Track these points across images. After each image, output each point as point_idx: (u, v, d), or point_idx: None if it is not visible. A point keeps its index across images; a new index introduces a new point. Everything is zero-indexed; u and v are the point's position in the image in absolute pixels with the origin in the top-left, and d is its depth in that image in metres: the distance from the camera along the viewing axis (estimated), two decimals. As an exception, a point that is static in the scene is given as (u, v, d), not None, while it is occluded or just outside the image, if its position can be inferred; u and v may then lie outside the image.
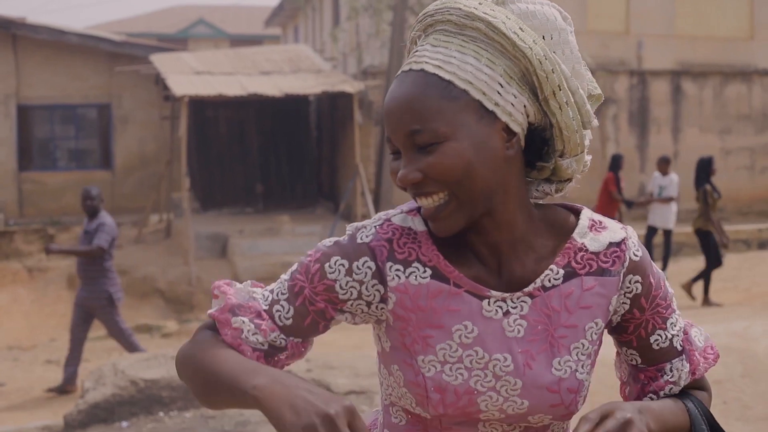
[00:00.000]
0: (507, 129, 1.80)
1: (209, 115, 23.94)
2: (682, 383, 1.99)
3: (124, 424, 8.03)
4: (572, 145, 1.85)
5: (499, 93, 1.78)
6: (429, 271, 1.85)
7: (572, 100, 1.81)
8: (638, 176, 23.65)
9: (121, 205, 25.71)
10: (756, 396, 7.98)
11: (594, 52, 25.87)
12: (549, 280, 1.88)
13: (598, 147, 23.18)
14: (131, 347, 10.63)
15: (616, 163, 16.53)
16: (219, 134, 24.28)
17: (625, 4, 27.34)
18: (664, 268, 16.25)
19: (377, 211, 20.05)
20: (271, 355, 1.87)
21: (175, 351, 9.14)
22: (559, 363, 1.87)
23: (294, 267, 1.93)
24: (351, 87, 20.83)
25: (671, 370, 1.98)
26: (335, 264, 1.86)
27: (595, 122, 1.87)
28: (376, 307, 1.87)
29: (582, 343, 1.89)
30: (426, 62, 1.80)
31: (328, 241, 1.91)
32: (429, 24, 1.86)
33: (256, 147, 24.50)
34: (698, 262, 17.68)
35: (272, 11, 40.32)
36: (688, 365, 1.98)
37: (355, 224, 1.93)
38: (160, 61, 23.18)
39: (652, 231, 16.26)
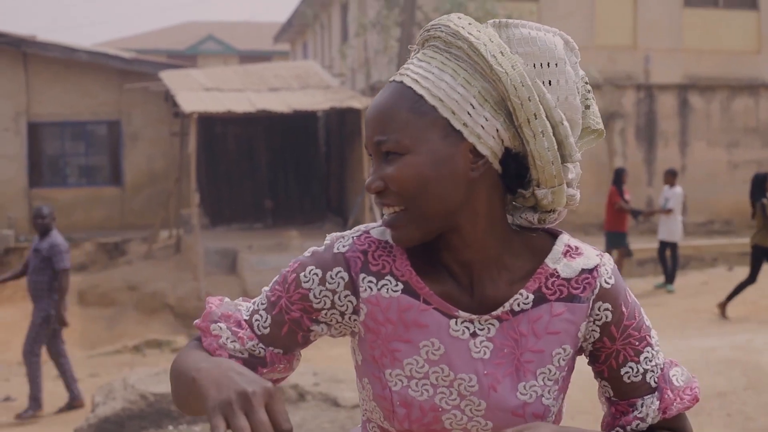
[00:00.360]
0: (474, 150, 1.80)
1: (218, 131, 23.99)
2: (650, 421, 1.93)
3: (134, 437, 8.12)
4: (547, 176, 1.82)
5: (469, 114, 1.78)
6: (401, 285, 1.86)
7: (549, 131, 1.79)
8: (645, 190, 23.70)
9: (130, 221, 25.85)
10: (759, 408, 8.03)
11: (601, 66, 25.97)
12: (518, 305, 1.87)
13: (605, 161, 23.25)
14: (35, 377, 10.89)
15: (618, 176, 16.63)
16: (228, 150, 24.33)
17: (632, 18, 27.44)
18: (671, 282, 16.31)
19: (385, 226, 20.14)
20: (251, 365, 1.88)
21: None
22: (525, 387, 1.86)
23: (275, 278, 1.95)
24: (359, 103, 20.90)
25: (641, 406, 1.93)
26: (309, 273, 1.88)
27: (578, 157, 1.85)
28: (350, 318, 1.89)
29: (549, 369, 1.88)
30: (407, 75, 1.83)
31: (308, 251, 1.93)
32: (425, 39, 1.88)
33: (264, 163, 24.54)
34: (706, 276, 17.72)
35: (281, 27, 40.45)
36: (658, 403, 1.92)
37: (335, 234, 1.95)
38: (170, 77, 23.28)
39: (662, 246, 16.34)
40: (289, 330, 1.89)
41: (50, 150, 26.88)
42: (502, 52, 1.79)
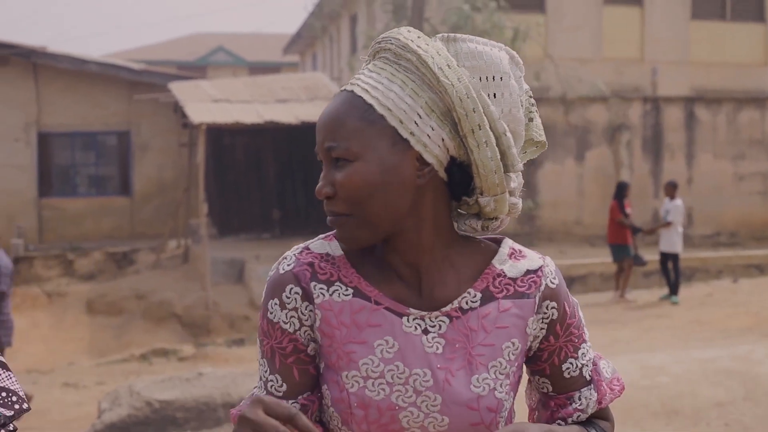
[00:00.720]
0: (420, 159, 1.86)
1: (226, 142, 24.08)
2: (590, 411, 2.03)
3: (139, 444, 8.23)
4: (489, 185, 1.89)
5: (416, 123, 1.85)
6: (351, 290, 1.92)
7: (492, 141, 1.86)
8: (652, 202, 23.75)
9: (139, 231, 25.94)
10: (756, 418, 8.11)
11: (609, 78, 26.12)
12: (467, 302, 1.93)
13: (612, 173, 23.33)
14: None
15: (620, 191, 16.74)
16: (236, 161, 24.41)
17: (639, 31, 27.59)
18: (674, 293, 16.38)
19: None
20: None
21: (191, 374, 9.36)
22: (478, 380, 1.91)
23: (258, 343, 2.00)
24: (366, 114, 20.98)
25: (580, 399, 2.03)
26: (272, 307, 1.92)
27: (520, 167, 1.92)
28: (315, 326, 1.92)
29: (500, 362, 1.94)
30: (357, 84, 1.89)
31: (263, 293, 1.97)
32: (376, 50, 1.94)
33: (272, 174, 24.63)
34: (711, 288, 17.78)
35: (290, 39, 40.62)
36: (595, 394, 2.03)
37: (278, 260, 1.99)
38: (179, 89, 23.40)
39: (664, 257, 16.42)
40: (298, 371, 1.94)
41: (60, 160, 26.94)
42: (448, 65, 1.86)
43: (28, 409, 2.14)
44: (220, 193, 23.95)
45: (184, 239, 23.75)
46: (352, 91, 1.89)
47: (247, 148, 24.42)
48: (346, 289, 1.92)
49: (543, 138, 2.02)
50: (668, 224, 16.32)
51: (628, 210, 16.59)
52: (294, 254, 1.96)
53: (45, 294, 20.53)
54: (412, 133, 1.85)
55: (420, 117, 1.85)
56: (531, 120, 2.00)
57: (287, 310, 1.91)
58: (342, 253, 1.96)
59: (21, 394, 2.15)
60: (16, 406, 2.11)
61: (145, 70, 27.41)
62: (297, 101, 23.06)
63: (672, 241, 16.28)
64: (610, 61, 27.31)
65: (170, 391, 8.79)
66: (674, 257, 16.31)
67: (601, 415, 2.09)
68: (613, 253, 16.83)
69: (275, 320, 1.92)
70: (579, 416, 2.04)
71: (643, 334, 13.49)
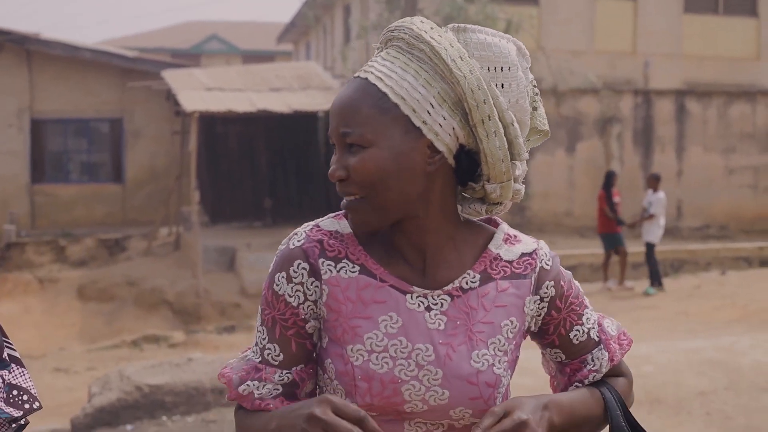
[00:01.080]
0: (431, 146, 1.93)
1: (219, 130, 24.10)
2: (604, 370, 2.12)
3: (129, 427, 8.26)
4: (497, 173, 1.97)
5: (428, 112, 1.91)
6: (357, 267, 1.99)
7: (501, 131, 1.93)
8: (642, 194, 23.81)
9: (131, 218, 26.00)
10: (738, 407, 8.20)
11: (601, 71, 26.18)
12: (466, 283, 2.01)
13: (602, 165, 23.40)
14: None
15: (608, 180, 16.80)
16: (228, 149, 24.42)
17: (632, 24, 27.64)
18: (656, 284, 16.48)
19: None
20: (290, 394, 2.01)
21: (180, 360, 9.44)
22: (478, 356, 1.98)
23: (259, 308, 2.06)
24: (358, 104, 21.03)
25: (592, 360, 2.12)
26: (279, 279, 1.99)
27: (526, 156, 2.00)
28: (320, 302, 1.99)
29: (498, 339, 2.01)
30: (372, 72, 1.96)
31: (271, 265, 2.04)
32: (388, 38, 2.00)
33: (264, 162, 24.65)
34: (699, 279, 17.88)
35: (284, 28, 40.60)
36: (606, 353, 2.13)
37: (288, 235, 2.07)
38: (172, 77, 23.44)
39: (648, 246, 16.55)
40: (296, 344, 2.01)
41: (53, 146, 27.00)
42: (461, 57, 1.93)
43: (39, 407, 2.15)
44: (212, 181, 23.97)
45: (175, 227, 23.74)
46: (366, 79, 1.96)
47: (239, 137, 24.44)
48: (353, 266, 1.99)
49: (546, 127, 2.12)
50: (651, 217, 16.42)
51: (617, 199, 16.65)
52: (304, 231, 2.04)
53: (37, 280, 20.56)
54: (424, 122, 1.93)
55: (432, 107, 1.92)
56: (535, 109, 2.09)
57: (293, 284, 1.99)
58: (351, 231, 2.03)
59: (33, 392, 2.17)
60: (26, 406, 2.13)
61: (138, 57, 27.49)
62: (290, 90, 23.12)
63: (650, 231, 16.39)
64: (602, 53, 27.36)
65: (160, 375, 8.84)
66: (650, 246, 16.43)
67: (616, 371, 2.20)
68: (604, 242, 16.94)
69: (280, 292, 1.99)
70: (594, 376, 2.14)
71: (632, 324, 13.56)
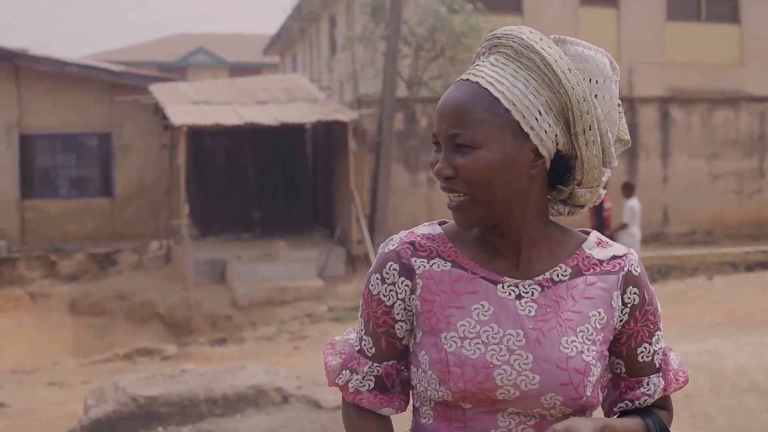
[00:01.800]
0: (536, 151, 2.06)
1: (207, 143, 24.12)
2: (656, 397, 2.22)
3: (125, 438, 8.41)
4: (590, 179, 2.11)
5: (536, 119, 2.04)
6: (449, 263, 2.13)
7: (598, 141, 2.07)
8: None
9: (121, 232, 25.97)
10: (721, 409, 8.37)
11: (585, 79, 26.32)
12: (557, 275, 2.13)
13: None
14: None
15: None
16: (216, 162, 24.45)
17: (616, 32, 27.80)
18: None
19: (372, 236, 20.41)
20: (382, 388, 2.19)
21: (174, 371, 9.57)
22: (567, 342, 2.07)
23: (360, 304, 2.23)
24: (345, 116, 21.16)
25: (648, 384, 2.22)
26: (374, 280, 2.16)
27: (615, 163, 2.13)
28: (409, 300, 2.14)
29: (587, 327, 2.11)
30: (482, 77, 2.06)
31: (372, 267, 2.21)
32: (494, 44, 2.13)
33: (252, 174, 24.67)
34: (686, 285, 18.02)
35: (270, 40, 40.63)
36: (663, 382, 2.22)
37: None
38: (159, 90, 23.51)
39: None
40: (385, 341, 2.17)
41: (42, 162, 26.92)
42: (569, 69, 2.06)
43: None
44: (200, 194, 24.01)
45: (165, 240, 23.84)
46: (477, 83, 2.07)
47: (227, 150, 24.48)
48: (445, 263, 2.14)
49: (628, 137, 2.24)
50: (624, 225, 16.49)
51: (608, 204, 16.69)
52: (399, 236, 2.19)
53: (28, 295, 20.61)
54: (532, 128, 2.05)
55: (540, 114, 2.05)
56: (620, 120, 2.20)
57: (386, 285, 2.14)
58: (441, 232, 2.19)
59: None
60: None
61: (125, 72, 27.47)
62: (276, 103, 23.22)
63: (622, 240, 16.31)
64: (586, 61, 27.56)
65: (154, 387, 8.96)
66: None
67: (661, 404, 2.28)
68: None
69: (375, 292, 2.16)
70: (645, 401, 2.24)
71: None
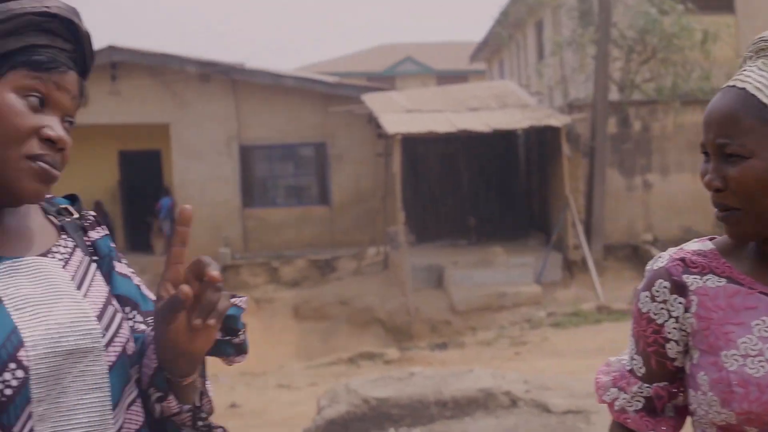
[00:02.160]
0: None
1: (420, 151, 24.35)
2: None
3: (361, 438, 8.66)
4: None
5: None
6: (724, 279, 2.00)
7: None
8: None
9: (338, 239, 26.43)
10: None
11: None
12: None
13: None
14: None
15: None
16: (430, 169, 24.68)
17: None
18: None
19: (588, 241, 20.33)
20: (650, 411, 2.10)
21: (402, 374, 9.79)
22: None
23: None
24: (557, 121, 21.14)
25: None
26: (644, 299, 2.06)
27: None
28: (684, 318, 2.02)
29: None
30: (750, 82, 1.93)
31: (641, 284, 2.11)
32: (761, 48, 1.97)
33: (466, 181, 24.81)
34: None
35: (476, 47, 40.66)
36: None
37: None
38: (372, 100, 23.95)
39: None
40: (655, 361, 2.07)
41: (260, 172, 27.59)
42: None
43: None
44: (415, 201, 24.22)
45: (382, 246, 24.21)
46: (744, 89, 1.94)
47: (440, 157, 24.67)
48: (719, 279, 2.00)
49: None
50: None
51: None
52: (668, 253, 2.08)
53: (253, 300, 21.11)
54: None
55: None
56: None
57: (656, 303, 2.04)
58: (713, 247, 2.07)
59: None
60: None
61: (338, 83, 27.86)
62: (487, 109, 23.30)
63: None
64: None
65: (384, 389, 9.12)
66: None
67: None
68: None
69: (644, 310, 2.06)
70: None
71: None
